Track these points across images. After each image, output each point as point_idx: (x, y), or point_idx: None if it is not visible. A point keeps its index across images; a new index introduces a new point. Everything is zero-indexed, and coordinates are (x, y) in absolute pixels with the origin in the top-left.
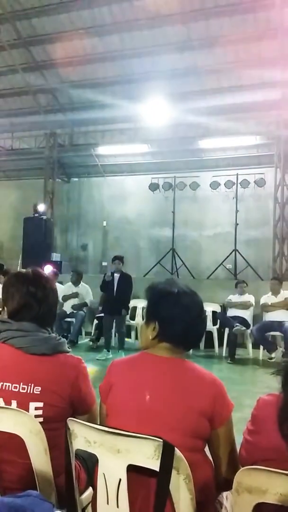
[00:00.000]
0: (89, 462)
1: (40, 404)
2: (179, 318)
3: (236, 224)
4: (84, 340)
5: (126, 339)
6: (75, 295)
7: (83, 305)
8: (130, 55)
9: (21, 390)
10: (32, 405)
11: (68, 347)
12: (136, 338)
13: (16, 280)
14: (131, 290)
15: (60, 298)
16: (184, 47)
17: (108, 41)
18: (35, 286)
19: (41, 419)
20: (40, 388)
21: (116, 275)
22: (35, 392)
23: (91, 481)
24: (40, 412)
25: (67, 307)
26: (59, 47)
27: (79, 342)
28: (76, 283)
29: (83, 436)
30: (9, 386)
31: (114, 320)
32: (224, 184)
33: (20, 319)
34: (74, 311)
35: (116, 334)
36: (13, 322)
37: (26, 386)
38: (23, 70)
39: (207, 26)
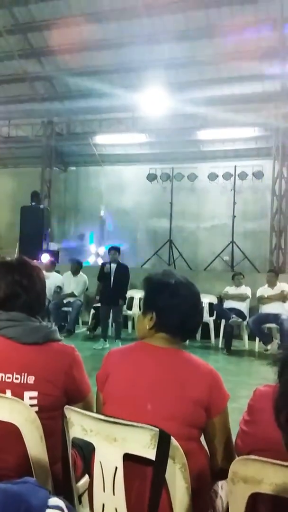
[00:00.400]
0: (86, 450)
1: (35, 394)
2: (176, 308)
3: (234, 216)
4: (81, 330)
5: (123, 329)
6: (71, 294)
7: (71, 295)
8: (129, 43)
9: (14, 380)
10: (27, 394)
11: (61, 336)
12: (133, 328)
13: (2, 268)
14: (128, 281)
15: (57, 284)
16: (183, 36)
17: (106, 29)
18: (20, 275)
19: (36, 408)
20: (33, 377)
21: (113, 266)
22: (28, 382)
23: (88, 469)
24: (35, 401)
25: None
26: (57, 33)
27: (76, 332)
28: (75, 273)
29: (80, 424)
30: (2, 376)
31: (111, 310)
32: (222, 175)
33: (9, 309)
34: (71, 301)
35: (113, 324)
36: (3, 312)
37: (19, 376)
38: (20, 57)
39: (206, 15)
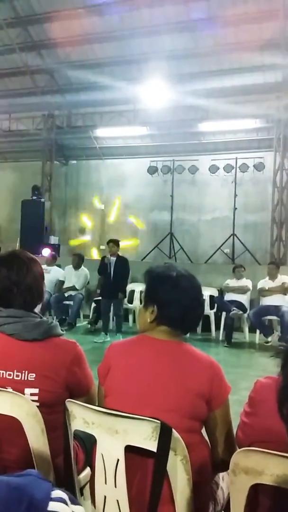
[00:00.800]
0: (87, 443)
1: (36, 390)
2: (177, 301)
3: (235, 209)
4: (82, 323)
5: (124, 323)
6: (73, 288)
7: (72, 289)
8: (130, 35)
9: (15, 378)
10: (28, 391)
11: (63, 330)
12: (134, 321)
13: None
14: (128, 273)
15: (59, 278)
16: (184, 27)
17: (107, 21)
18: (8, 269)
19: (37, 404)
20: (34, 374)
21: (112, 259)
22: (29, 379)
23: (89, 461)
24: (36, 398)
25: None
26: (57, 26)
27: (77, 325)
28: (76, 267)
29: (82, 417)
30: (3, 373)
31: (112, 304)
32: (223, 168)
33: (6, 305)
34: (72, 294)
35: (114, 318)
36: (3, 309)
37: (20, 374)
38: (20, 50)
39: (208, 6)
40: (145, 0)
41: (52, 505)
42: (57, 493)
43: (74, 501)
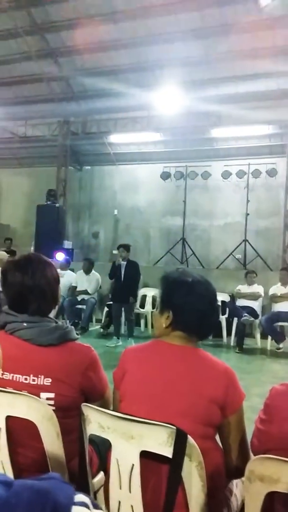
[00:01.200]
0: (101, 447)
1: (51, 395)
2: (192, 307)
3: (247, 214)
4: (94, 327)
5: (136, 327)
6: (85, 292)
7: (84, 293)
8: (144, 43)
9: (31, 382)
10: (44, 395)
11: (77, 334)
12: (146, 326)
13: (7, 268)
14: (139, 278)
15: (72, 284)
16: (198, 34)
17: (122, 28)
18: (23, 273)
19: (53, 408)
20: (50, 379)
21: (123, 263)
22: (45, 383)
23: (103, 466)
24: (51, 402)
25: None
26: (73, 34)
27: (90, 329)
28: (87, 271)
29: (97, 421)
30: (19, 377)
31: (123, 308)
32: (236, 173)
33: (21, 309)
34: (85, 298)
35: (125, 322)
36: (18, 314)
37: (36, 378)
38: (37, 57)
39: (221, 13)
40: (159, 8)
41: (75, 509)
42: (80, 497)
43: (96, 506)
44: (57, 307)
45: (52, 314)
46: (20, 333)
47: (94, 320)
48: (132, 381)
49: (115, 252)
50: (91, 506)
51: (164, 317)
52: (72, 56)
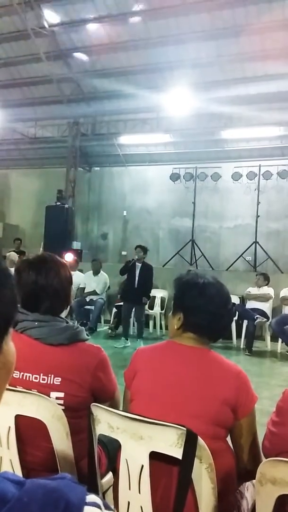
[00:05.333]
0: (110, 447)
1: (61, 394)
2: (203, 308)
3: (257, 216)
4: (103, 328)
5: (145, 329)
6: (93, 292)
7: (93, 293)
8: (155, 44)
9: (41, 381)
10: (53, 395)
11: (87, 334)
12: (154, 327)
13: (21, 267)
14: (152, 280)
15: (80, 285)
16: (208, 36)
17: (132, 30)
18: (37, 273)
19: (62, 408)
20: (60, 378)
21: (138, 265)
22: (55, 382)
23: (112, 466)
24: (61, 401)
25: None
26: (83, 35)
27: (98, 330)
28: (96, 272)
29: (106, 421)
30: (29, 376)
31: (134, 309)
32: (246, 175)
33: (33, 308)
34: (94, 299)
35: (135, 323)
36: (29, 313)
37: (46, 377)
38: (47, 59)
39: (232, 15)
40: (170, 9)
41: (87, 510)
42: (92, 497)
43: (108, 507)
44: (68, 307)
45: (63, 315)
46: (31, 332)
47: (102, 321)
48: (144, 381)
49: (124, 253)
50: (103, 507)
51: (176, 319)
52: (82, 57)
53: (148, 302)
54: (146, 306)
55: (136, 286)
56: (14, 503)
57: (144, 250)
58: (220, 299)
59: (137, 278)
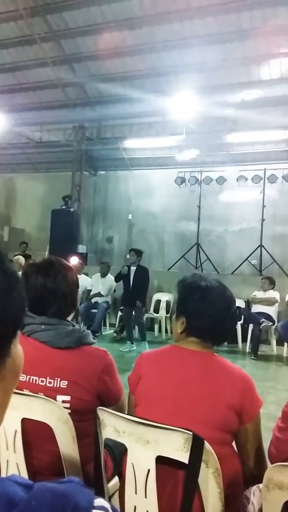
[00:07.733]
0: (116, 451)
1: (67, 398)
2: (205, 313)
3: (263, 220)
4: (108, 332)
5: (150, 332)
6: (99, 294)
7: (98, 295)
8: (160, 48)
9: (48, 384)
10: (60, 398)
11: (93, 338)
12: (159, 331)
13: (29, 271)
14: (148, 283)
15: (87, 287)
16: (214, 40)
17: (138, 34)
18: (45, 277)
19: (68, 411)
20: (66, 382)
21: (133, 268)
22: (61, 386)
23: (118, 470)
24: (67, 405)
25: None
26: (89, 40)
27: (103, 333)
28: (104, 274)
29: (113, 425)
30: (36, 379)
31: (133, 312)
32: (251, 179)
33: (40, 312)
34: (98, 302)
35: (136, 326)
36: (36, 316)
37: (52, 380)
38: (53, 64)
39: (238, 19)
40: (175, 14)
41: None
42: (99, 501)
43: (116, 510)
44: (75, 311)
45: (69, 318)
46: (37, 335)
47: (108, 324)
48: (148, 385)
49: (129, 257)
50: (111, 511)
51: (179, 323)
52: (87, 62)
53: (143, 306)
54: (152, 310)
55: (131, 289)
56: (22, 507)
57: (138, 253)
58: (222, 303)
59: (131, 282)
